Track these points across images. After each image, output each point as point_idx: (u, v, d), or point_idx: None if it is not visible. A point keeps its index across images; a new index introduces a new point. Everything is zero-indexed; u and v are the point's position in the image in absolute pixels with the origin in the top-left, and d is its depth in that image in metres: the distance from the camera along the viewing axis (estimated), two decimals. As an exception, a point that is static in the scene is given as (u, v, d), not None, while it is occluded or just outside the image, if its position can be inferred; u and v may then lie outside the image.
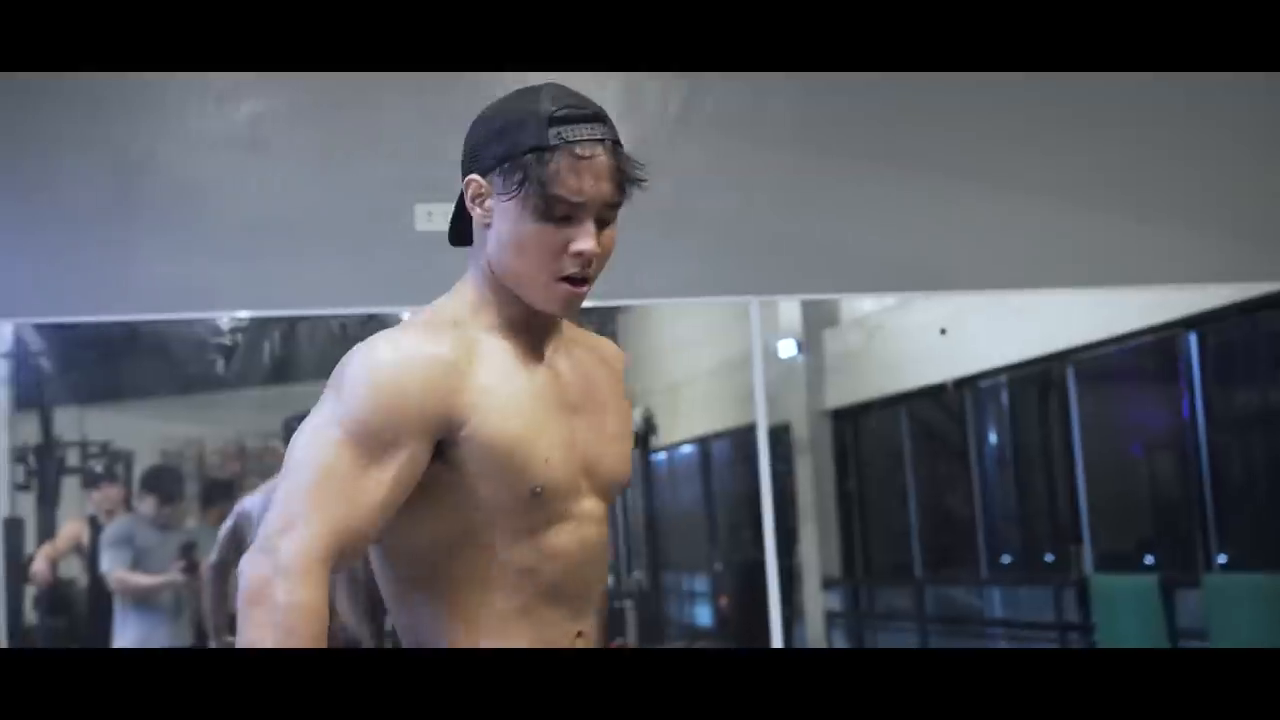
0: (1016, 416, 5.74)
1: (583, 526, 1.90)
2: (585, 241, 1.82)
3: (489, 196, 1.87)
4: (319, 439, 1.82)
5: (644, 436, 5.13)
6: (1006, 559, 5.74)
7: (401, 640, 1.96)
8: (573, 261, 1.83)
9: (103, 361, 4.50)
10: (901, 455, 5.88)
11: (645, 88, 4.55)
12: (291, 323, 4.68)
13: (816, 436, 5.48)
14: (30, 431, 4.33)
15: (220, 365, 4.61)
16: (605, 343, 2.08)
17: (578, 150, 1.83)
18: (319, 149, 4.31)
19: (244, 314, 4.34)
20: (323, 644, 1.72)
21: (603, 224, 1.84)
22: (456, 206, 1.95)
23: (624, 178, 1.85)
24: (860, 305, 5.43)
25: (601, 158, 1.83)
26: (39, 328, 4.31)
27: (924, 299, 5.01)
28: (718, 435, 5.49)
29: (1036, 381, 5.55)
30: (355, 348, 1.87)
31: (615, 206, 1.85)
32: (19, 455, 4.29)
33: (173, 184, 4.30)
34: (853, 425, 5.78)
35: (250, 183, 4.32)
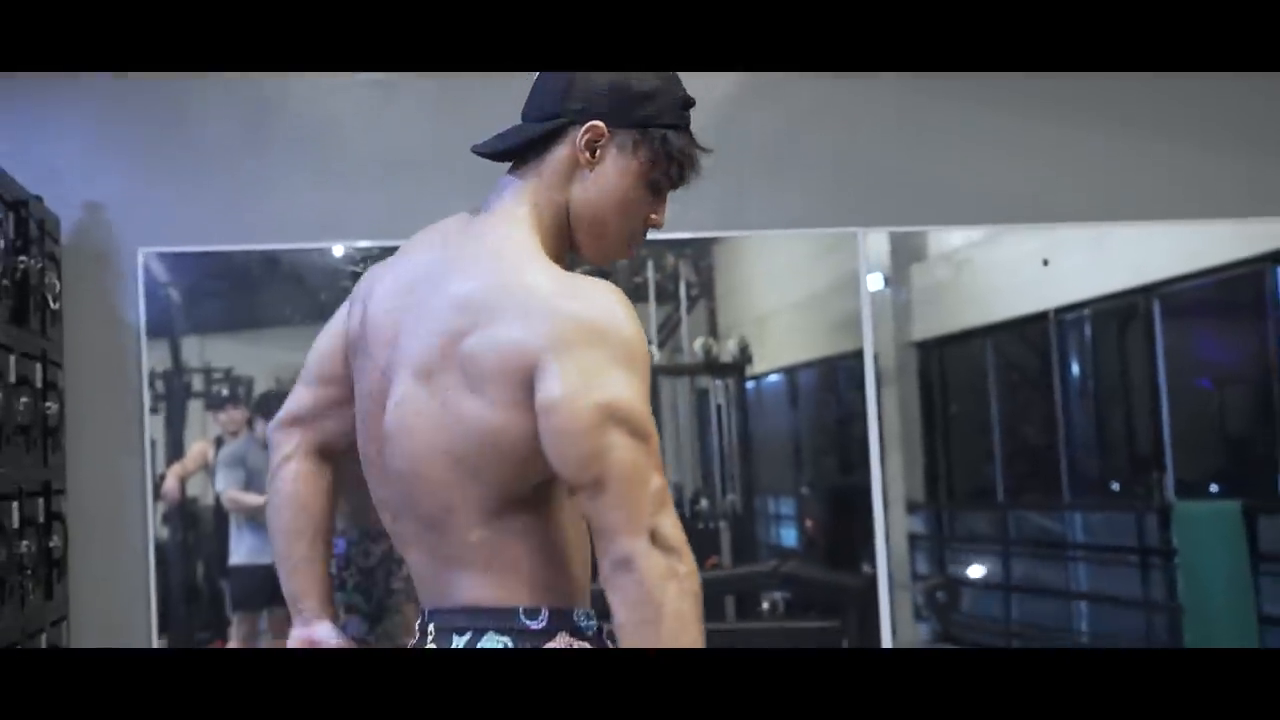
0: (1101, 348, 5.86)
1: None
2: (662, 219, 2.05)
3: (607, 146, 2.00)
4: (622, 396, 1.85)
5: (740, 365, 5.28)
6: (1089, 486, 5.87)
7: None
8: (645, 230, 2.06)
9: (229, 291, 4.64)
10: (986, 386, 6.00)
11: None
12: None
13: (903, 366, 5.60)
14: (160, 358, 4.50)
15: (338, 296, 4.76)
16: None
17: (696, 140, 2.04)
18: (444, 86, 4.47)
19: (364, 244, 4.49)
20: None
21: None
22: (534, 133, 2.02)
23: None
24: (948, 240, 5.53)
25: (697, 148, 2.05)
26: (166, 256, 4.47)
27: (1010, 234, 5.13)
28: (806, 365, 5.61)
29: (1121, 314, 5.67)
30: (555, 297, 1.88)
31: None
32: (149, 380, 4.46)
33: (302, 119, 4.47)
34: (939, 356, 5.90)
35: (378, 117, 4.49)
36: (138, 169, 4.42)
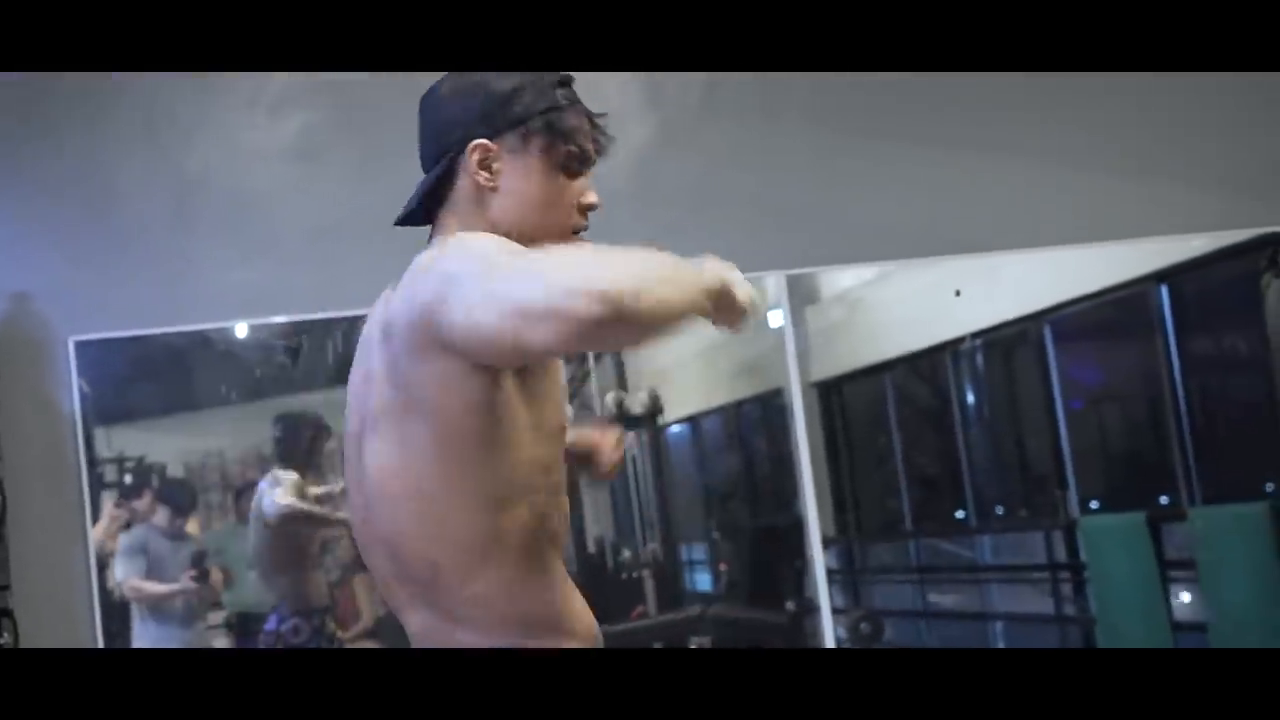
0: (996, 376, 6.04)
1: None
2: (594, 195, 2.04)
3: (498, 157, 1.99)
4: (471, 255, 1.82)
5: (652, 415, 5.37)
6: (994, 508, 6.04)
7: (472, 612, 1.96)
8: (581, 215, 2.04)
9: (162, 374, 4.62)
10: (887, 420, 6.15)
11: (666, 78, 4.80)
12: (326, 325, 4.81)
13: (806, 406, 5.73)
14: (105, 443, 4.46)
15: (273, 372, 4.75)
16: None
17: (585, 110, 2.04)
18: (366, 156, 4.52)
19: (299, 317, 4.50)
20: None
21: None
22: (429, 183, 2.01)
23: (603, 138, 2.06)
24: (839, 280, 5.68)
25: (602, 122, 2.07)
26: (105, 342, 4.45)
27: (903, 270, 5.29)
28: (717, 410, 5.72)
29: (1014, 341, 5.86)
30: (430, 262, 1.87)
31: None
32: (95, 466, 4.43)
33: (226, 195, 4.49)
34: (839, 394, 6.04)
35: (302, 189, 4.53)
36: (63, 257, 4.41)
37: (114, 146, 4.46)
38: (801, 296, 5.56)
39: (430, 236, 2.05)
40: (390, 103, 4.96)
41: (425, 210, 2.05)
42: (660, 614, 5.26)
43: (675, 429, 5.64)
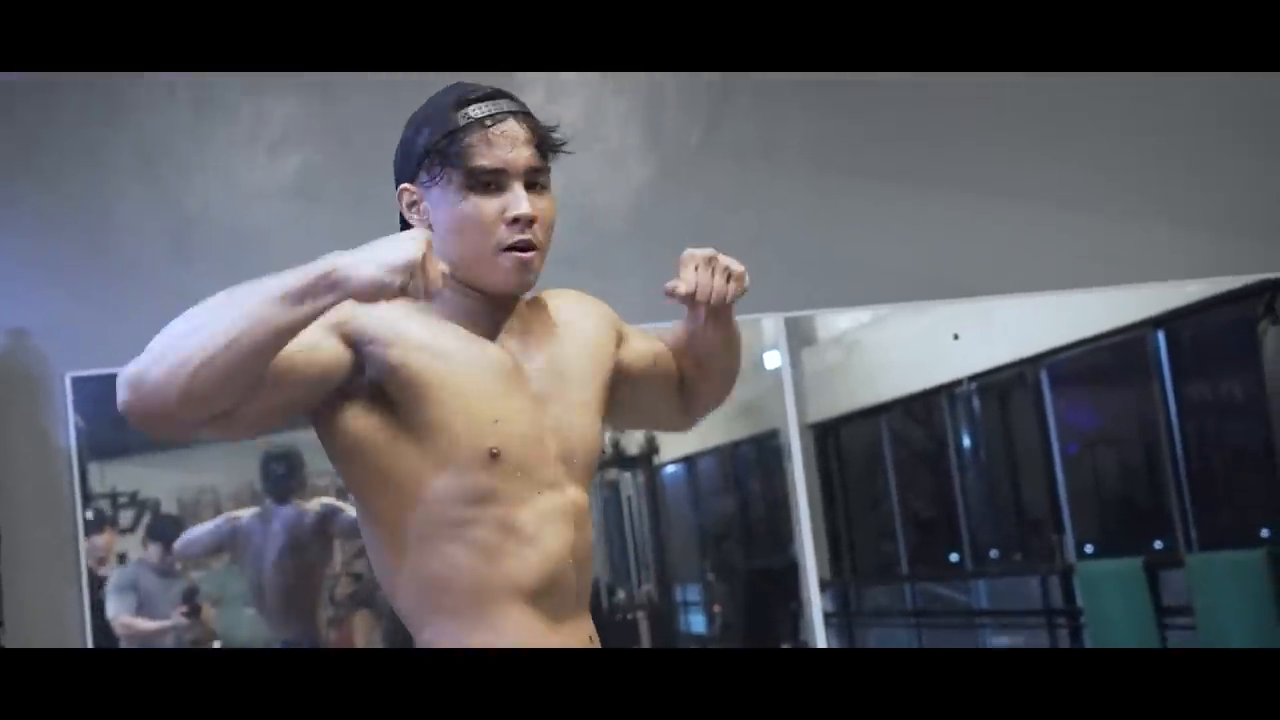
0: (992, 420, 6.05)
1: (565, 524, 1.96)
2: (518, 205, 1.93)
3: (421, 199, 1.96)
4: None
5: (647, 455, 5.36)
6: (990, 553, 6.04)
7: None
8: (510, 229, 1.93)
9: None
10: (883, 463, 6.16)
11: (667, 119, 4.83)
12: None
13: (802, 447, 5.73)
14: (99, 479, 4.46)
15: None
16: (566, 296, 2.16)
17: (486, 122, 1.93)
18: (363, 195, 4.52)
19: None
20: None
21: (535, 189, 1.95)
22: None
23: (541, 142, 1.96)
24: (836, 323, 5.69)
25: (510, 124, 1.95)
26: (102, 378, 4.44)
27: (898, 313, 5.30)
28: (712, 451, 5.72)
29: (1010, 385, 5.87)
30: None
31: (540, 171, 1.96)
32: (90, 501, 4.42)
33: (223, 231, 4.50)
34: (835, 436, 6.05)
35: (299, 227, 4.53)
36: (60, 292, 4.41)
37: (112, 182, 4.46)
38: (799, 338, 5.57)
39: None
40: (388, 142, 5.04)
41: None
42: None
43: (671, 469, 5.65)
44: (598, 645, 2.01)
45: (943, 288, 4.97)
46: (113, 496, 4.64)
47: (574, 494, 1.99)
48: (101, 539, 4.57)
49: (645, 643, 5.19)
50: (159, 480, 4.63)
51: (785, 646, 5.03)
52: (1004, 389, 5.89)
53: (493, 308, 1.98)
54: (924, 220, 4.94)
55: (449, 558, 1.90)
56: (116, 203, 4.45)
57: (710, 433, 5.51)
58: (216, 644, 4.60)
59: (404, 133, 2.00)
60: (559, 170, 4.67)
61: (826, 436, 6.02)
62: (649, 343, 2.24)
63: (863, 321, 5.67)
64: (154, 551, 4.56)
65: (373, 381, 1.89)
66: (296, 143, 4.56)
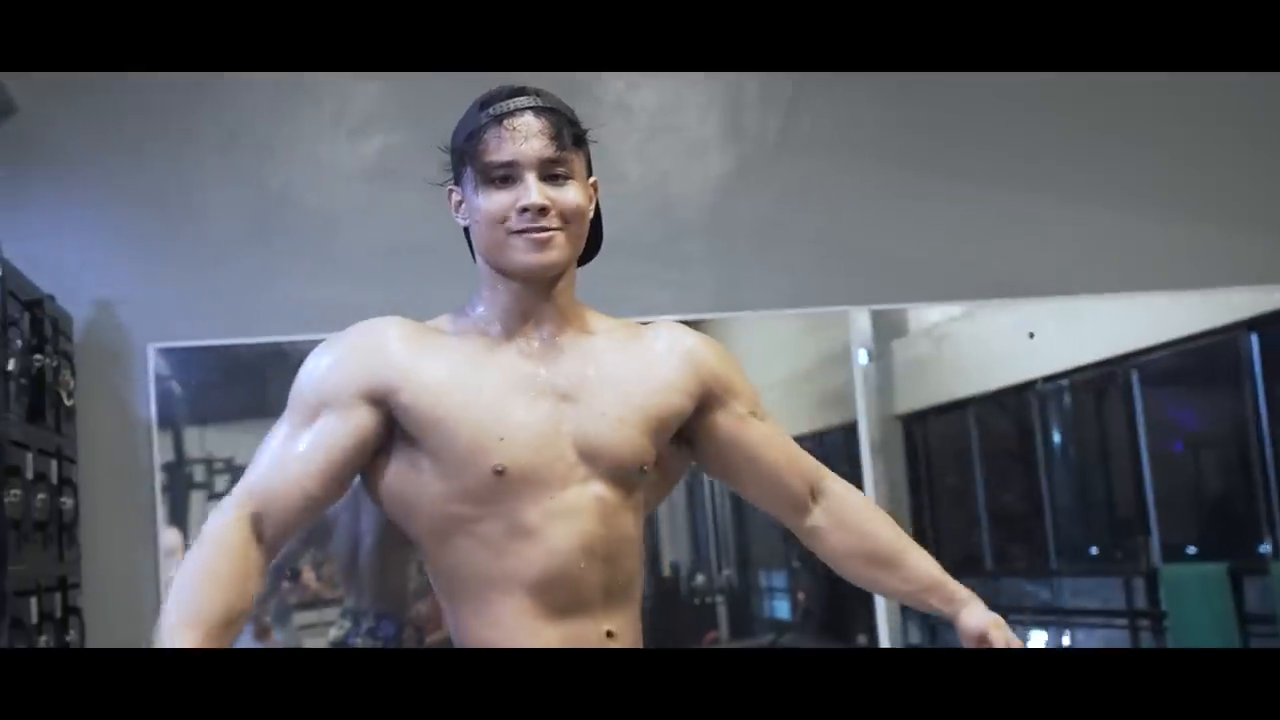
0: (1081, 417, 5.98)
1: (583, 521, 2.02)
2: (526, 195, 2.01)
3: (463, 198, 2.09)
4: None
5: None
6: (1075, 552, 5.97)
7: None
8: (521, 218, 2.02)
9: (236, 383, 4.70)
10: (970, 457, 6.10)
11: (746, 112, 4.83)
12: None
13: (888, 439, 5.71)
14: (176, 449, 4.57)
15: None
16: (664, 330, 2.21)
17: (503, 119, 2.02)
18: (444, 178, 4.57)
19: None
20: (215, 586, 1.90)
21: (554, 179, 2.03)
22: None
23: (558, 133, 2.03)
24: (927, 315, 5.66)
25: (527, 118, 2.03)
26: (183, 351, 4.55)
27: (988, 308, 5.26)
28: (796, 439, 5.70)
29: (1101, 383, 5.79)
30: None
31: (558, 162, 2.03)
32: (167, 471, 4.53)
33: (305, 212, 4.58)
34: (922, 428, 6.01)
35: (379, 209, 4.60)
36: (146, 266, 4.52)
37: (197, 160, 4.56)
38: (888, 330, 5.55)
39: None
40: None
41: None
42: (732, 640, 5.26)
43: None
44: (618, 640, 2.06)
45: (1023, 287, 4.94)
46: (208, 461, 4.76)
47: (598, 490, 2.04)
48: (171, 537, 4.67)
49: (723, 627, 5.21)
50: (246, 448, 4.73)
51: (861, 639, 5.02)
52: (1094, 387, 5.82)
53: (525, 298, 2.07)
54: (1006, 220, 4.90)
55: (460, 552, 2.03)
56: (201, 181, 4.55)
57: (796, 421, 5.51)
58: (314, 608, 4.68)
59: None
60: (635, 159, 4.72)
61: (914, 428, 5.99)
62: (764, 429, 2.30)
63: (953, 315, 5.63)
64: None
65: (397, 425, 2.03)
66: (378, 125, 4.63)
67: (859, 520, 2.29)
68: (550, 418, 2.04)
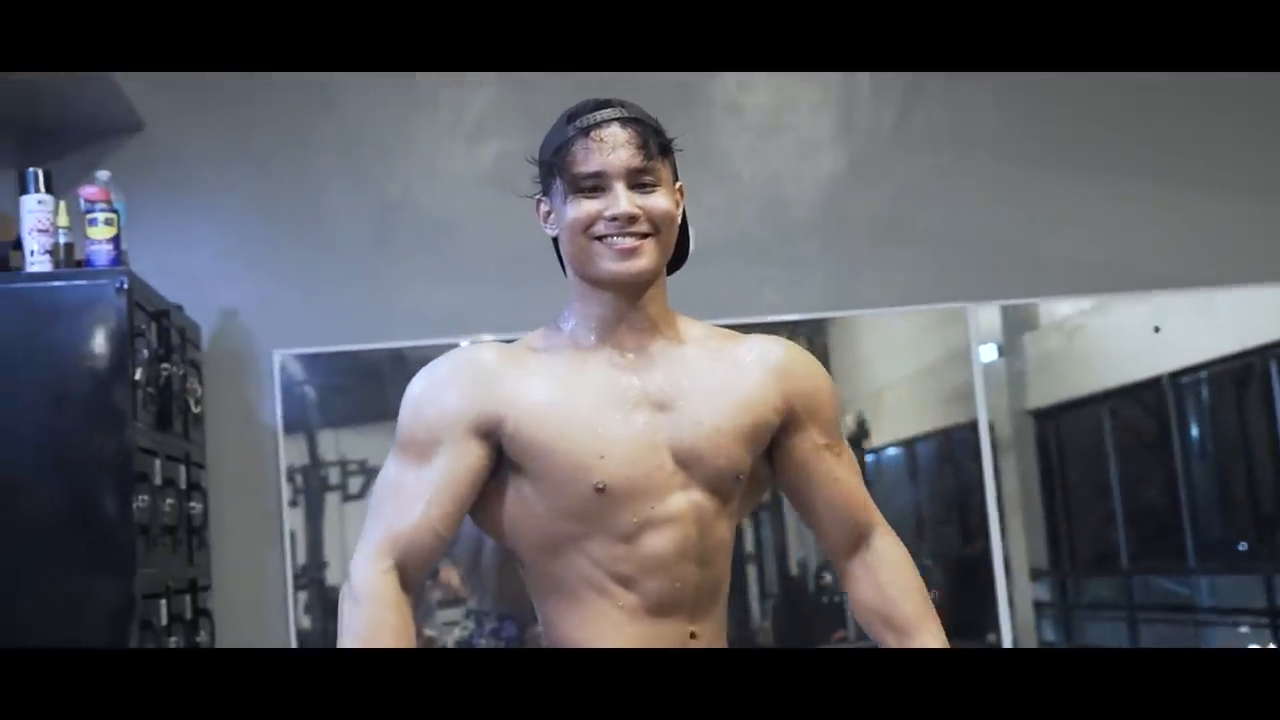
0: (1218, 411, 5.85)
1: (680, 527, 2.06)
2: (616, 204, 2.05)
3: (549, 207, 2.13)
4: (384, 466, 2.09)
5: (856, 440, 5.35)
6: (1214, 548, 5.86)
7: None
8: (607, 224, 2.05)
9: (360, 387, 4.80)
10: (1104, 451, 6.01)
11: (859, 109, 4.81)
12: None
13: (1020, 434, 5.65)
14: (298, 453, 4.67)
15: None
16: (756, 342, 2.21)
17: (590, 131, 2.06)
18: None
19: (487, 337, 4.64)
20: (392, 637, 1.96)
21: (642, 188, 2.07)
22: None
23: (645, 144, 2.06)
24: (1058, 308, 5.59)
25: (614, 129, 2.06)
26: (300, 357, 4.65)
27: (1119, 300, 5.18)
28: (923, 437, 5.67)
29: (1238, 376, 5.67)
30: None
31: (645, 171, 2.06)
32: (289, 475, 4.63)
33: (424, 219, 4.65)
34: (1055, 423, 5.94)
35: (496, 215, 4.65)
36: (269, 274, 4.63)
37: (318, 169, 4.66)
38: (1019, 324, 5.50)
39: None
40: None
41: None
42: (859, 638, 5.24)
43: (883, 453, 5.63)
44: (701, 642, 2.11)
45: (1151, 279, 4.87)
46: (342, 464, 4.86)
47: (696, 497, 2.09)
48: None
49: (850, 625, 5.20)
50: (371, 451, 4.81)
51: (990, 638, 4.98)
52: (1231, 379, 5.70)
53: (616, 307, 2.11)
54: (1129, 212, 4.84)
55: (561, 562, 2.10)
56: (322, 190, 4.65)
57: (923, 418, 5.48)
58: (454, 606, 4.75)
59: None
60: (748, 159, 4.74)
61: (1047, 423, 5.92)
62: (832, 465, 2.26)
63: (1084, 308, 5.56)
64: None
65: (503, 452, 2.09)
66: (493, 132, 4.69)
67: (888, 582, 2.27)
68: (647, 428, 2.08)
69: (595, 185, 2.06)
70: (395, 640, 1.97)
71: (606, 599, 2.07)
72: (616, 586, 2.07)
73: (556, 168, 2.09)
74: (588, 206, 2.07)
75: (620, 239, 2.06)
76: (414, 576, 2.04)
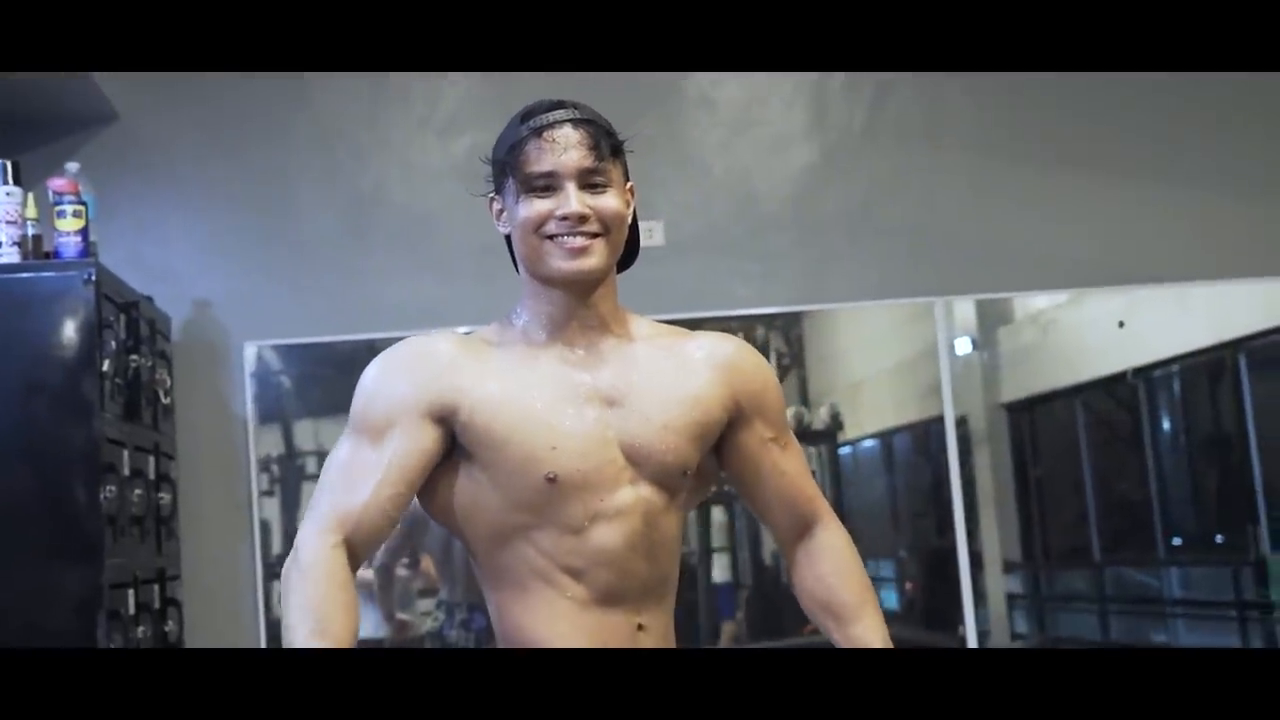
0: (1189, 404, 5.88)
1: (629, 520, 2.09)
2: (566, 205, 2.08)
3: (503, 207, 2.16)
4: (336, 445, 2.12)
5: (831, 432, 5.38)
6: (1184, 540, 5.89)
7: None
8: (558, 224, 2.08)
9: (332, 379, 4.82)
10: (1077, 444, 6.04)
11: (831, 104, 4.83)
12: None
13: (994, 428, 5.67)
14: (273, 443, 4.69)
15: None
16: (704, 340, 2.25)
17: (543, 131, 2.08)
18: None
19: (461, 329, 4.65)
20: (345, 616, 1.97)
21: (593, 188, 2.10)
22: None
23: (596, 143, 2.09)
24: (1033, 302, 5.61)
25: (566, 130, 2.09)
26: (278, 348, 4.67)
27: (1093, 295, 5.21)
28: (897, 430, 5.69)
29: (1207, 370, 5.70)
30: None
31: (595, 171, 2.09)
32: (264, 465, 4.65)
33: (398, 212, 4.66)
34: (1028, 416, 5.96)
35: (470, 208, 4.65)
36: (242, 266, 4.65)
37: (290, 162, 4.68)
38: (994, 318, 5.52)
39: None
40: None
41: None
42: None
43: (857, 446, 5.66)
44: (649, 633, 2.13)
45: (1118, 274, 4.90)
46: (317, 455, 4.87)
47: (644, 491, 2.12)
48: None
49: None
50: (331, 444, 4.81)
51: (961, 630, 5.01)
52: (1203, 373, 5.73)
53: (566, 305, 2.14)
54: (1098, 207, 4.86)
55: (512, 553, 2.12)
56: (295, 182, 4.67)
57: (897, 411, 5.50)
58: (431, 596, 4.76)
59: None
60: (720, 154, 4.75)
61: (1020, 417, 5.94)
62: (779, 458, 2.30)
63: (1059, 302, 5.58)
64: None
65: (456, 440, 2.11)
66: (466, 126, 4.70)
67: (829, 570, 2.31)
68: (598, 423, 2.11)
69: (547, 185, 2.09)
70: (347, 620, 1.98)
71: (555, 589, 2.09)
72: (565, 578, 2.09)
73: (509, 167, 2.12)
74: (539, 206, 2.09)
75: (571, 238, 2.08)
76: (359, 555, 2.05)
